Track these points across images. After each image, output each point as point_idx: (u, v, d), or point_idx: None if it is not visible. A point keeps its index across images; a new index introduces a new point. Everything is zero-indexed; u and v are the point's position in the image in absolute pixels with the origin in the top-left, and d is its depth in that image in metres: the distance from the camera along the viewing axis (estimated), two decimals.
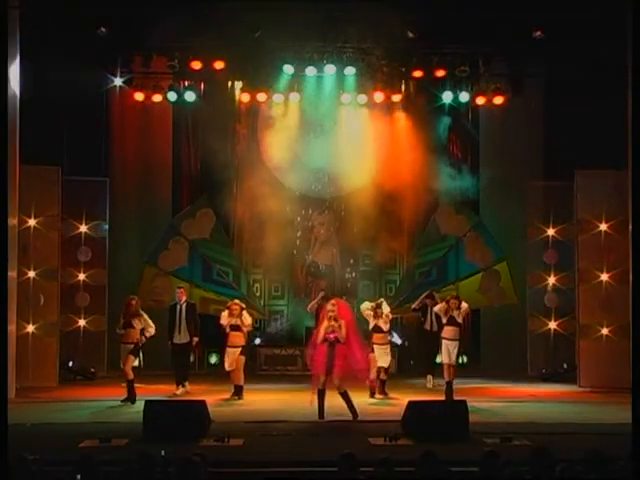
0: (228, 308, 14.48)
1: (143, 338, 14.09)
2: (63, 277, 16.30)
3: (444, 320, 14.32)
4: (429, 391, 14.88)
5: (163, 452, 7.81)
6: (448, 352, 14.10)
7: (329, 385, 12.11)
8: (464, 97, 17.42)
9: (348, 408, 12.09)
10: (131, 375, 13.70)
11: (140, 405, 11.34)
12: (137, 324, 13.98)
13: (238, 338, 14.36)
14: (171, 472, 6.90)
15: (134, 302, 14.11)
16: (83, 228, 16.83)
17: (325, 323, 12.13)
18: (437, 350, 14.97)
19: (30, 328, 15.64)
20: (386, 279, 18.77)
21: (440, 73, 16.96)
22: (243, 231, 18.17)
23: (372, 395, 14.08)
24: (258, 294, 18.36)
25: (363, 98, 17.62)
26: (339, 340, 12.01)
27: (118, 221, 17.52)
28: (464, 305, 14.30)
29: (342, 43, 16.70)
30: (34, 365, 15.42)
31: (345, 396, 12.12)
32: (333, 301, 12.49)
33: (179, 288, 15.10)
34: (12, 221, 13.95)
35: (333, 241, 18.39)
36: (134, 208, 18.02)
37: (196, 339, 14.72)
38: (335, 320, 12.05)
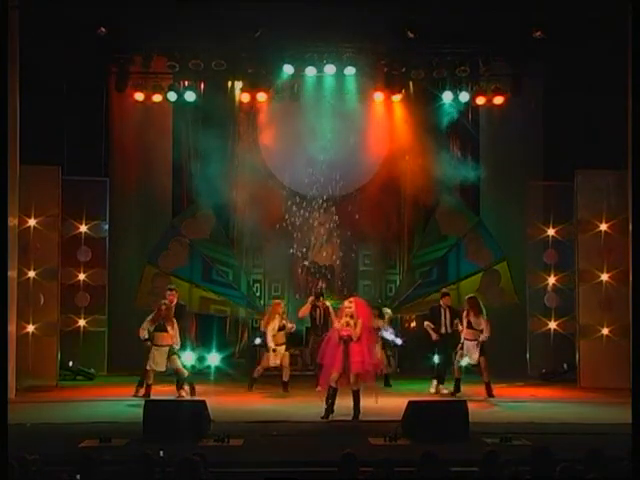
0: (275, 307, 14.97)
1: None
2: (63, 277, 16.26)
3: (464, 323, 14.31)
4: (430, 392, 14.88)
5: (162, 452, 7.82)
6: (471, 352, 14.27)
7: (342, 384, 12.11)
8: (464, 97, 17.43)
9: (353, 406, 12.10)
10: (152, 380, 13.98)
11: (140, 405, 11.34)
12: (170, 330, 14.00)
13: (282, 337, 14.89)
14: (171, 472, 6.90)
15: (164, 307, 14.12)
16: (83, 228, 16.79)
17: (342, 320, 12.13)
18: (448, 353, 14.97)
19: (30, 328, 15.63)
20: (386, 279, 18.71)
21: (440, 73, 16.99)
22: (243, 231, 18.14)
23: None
24: (258, 294, 18.33)
25: (363, 98, 17.61)
26: (352, 338, 12.01)
27: (118, 221, 17.48)
28: (483, 319, 14.31)
29: (342, 43, 16.70)
30: (34, 365, 15.40)
31: (356, 395, 12.12)
32: (351, 298, 12.55)
33: (170, 290, 14.96)
34: (12, 221, 13.96)
35: (333, 241, 18.36)
36: (134, 208, 17.98)
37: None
38: (351, 317, 12.06)
